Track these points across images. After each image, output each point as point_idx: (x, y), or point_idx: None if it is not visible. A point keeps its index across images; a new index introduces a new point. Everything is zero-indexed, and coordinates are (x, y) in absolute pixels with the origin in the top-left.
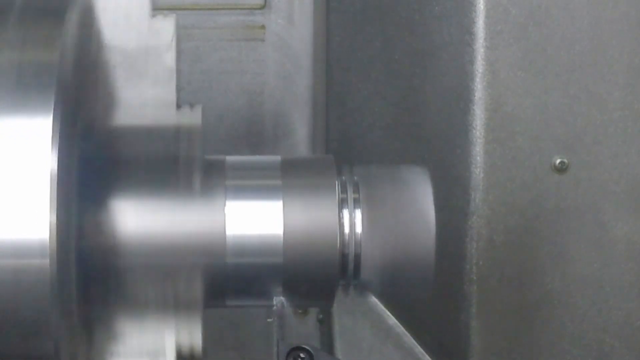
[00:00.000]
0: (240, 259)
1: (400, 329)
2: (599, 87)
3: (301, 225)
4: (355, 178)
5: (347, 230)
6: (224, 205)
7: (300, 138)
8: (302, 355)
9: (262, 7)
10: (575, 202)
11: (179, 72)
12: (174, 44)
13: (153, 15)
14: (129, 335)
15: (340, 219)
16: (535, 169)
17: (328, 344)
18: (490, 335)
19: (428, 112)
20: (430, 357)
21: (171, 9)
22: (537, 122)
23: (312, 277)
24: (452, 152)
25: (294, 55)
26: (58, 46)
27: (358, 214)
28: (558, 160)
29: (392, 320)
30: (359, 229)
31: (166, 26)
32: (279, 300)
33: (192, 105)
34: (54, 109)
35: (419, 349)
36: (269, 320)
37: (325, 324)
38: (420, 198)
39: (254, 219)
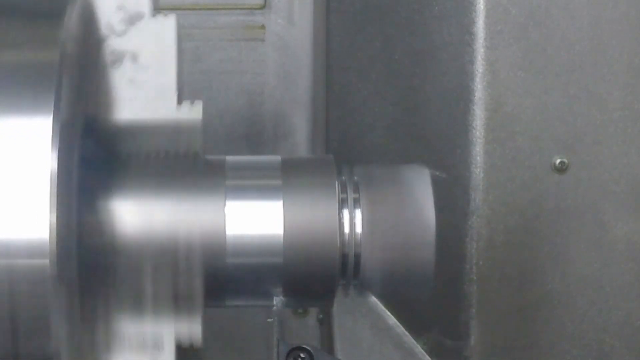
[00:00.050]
0: (240, 259)
1: (400, 329)
2: (599, 87)
3: (301, 225)
4: (355, 178)
5: (347, 230)
6: (224, 205)
7: (300, 138)
8: (302, 355)
9: (262, 7)
10: (575, 202)
11: (180, 71)
12: (175, 43)
13: (154, 15)
14: (129, 334)
15: (340, 219)
16: (535, 169)
17: (328, 344)
18: (490, 335)
19: (428, 112)
20: (430, 357)
21: (171, 9)
22: (537, 122)
23: (312, 277)
24: (452, 152)
25: (294, 55)
26: (58, 46)
27: (358, 214)
28: (558, 160)
29: (392, 320)
30: (359, 229)
31: (167, 25)
32: (279, 300)
33: (192, 103)
34: (54, 109)
35: (419, 349)
36: (269, 320)
37: (325, 324)
38: (421, 198)
39: (254, 219)
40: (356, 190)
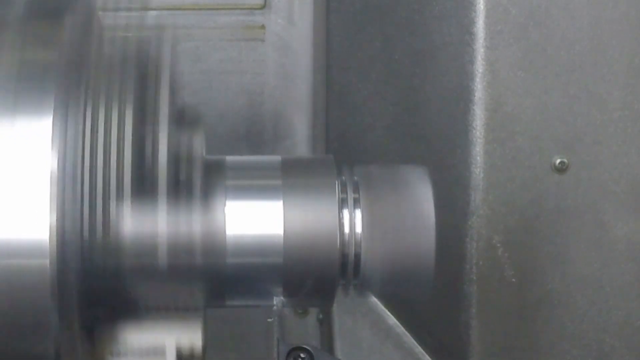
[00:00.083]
0: (240, 259)
1: (400, 329)
2: (599, 87)
3: (301, 225)
4: (355, 178)
5: (347, 230)
6: (224, 205)
7: (300, 138)
8: (302, 355)
9: (262, 7)
10: (575, 202)
11: (179, 72)
12: (173, 43)
13: (153, 16)
14: (129, 335)
15: (340, 219)
16: (535, 169)
17: (328, 344)
18: (490, 335)
19: (428, 112)
20: (430, 357)
21: (171, 9)
22: (537, 122)
23: (312, 277)
24: (452, 152)
25: (294, 55)
26: (58, 46)
27: (358, 214)
28: (558, 160)
29: (392, 320)
30: (359, 229)
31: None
32: (279, 300)
33: (192, 105)
34: (54, 109)
35: (419, 349)
36: (269, 320)
37: (325, 324)
38: (420, 198)
39: (254, 219)
40: (356, 190)
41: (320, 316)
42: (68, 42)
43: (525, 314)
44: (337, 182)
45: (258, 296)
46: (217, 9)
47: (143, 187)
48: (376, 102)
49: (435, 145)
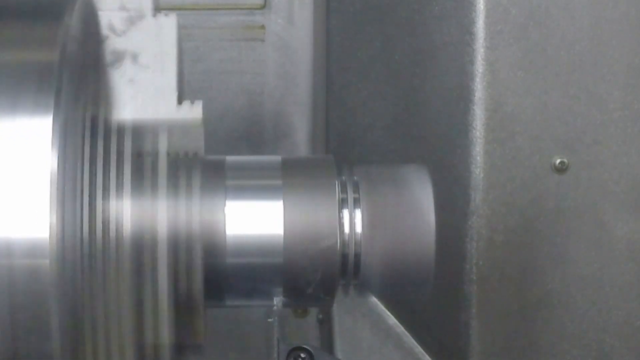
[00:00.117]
0: (240, 259)
1: (400, 329)
2: (599, 87)
3: (301, 225)
4: (355, 178)
5: (347, 230)
6: (224, 205)
7: (300, 138)
8: (302, 355)
9: (262, 7)
10: (575, 202)
11: (180, 71)
12: (176, 43)
13: (154, 15)
14: (129, 335)
15: (340, 219)
16: (535, 169)
17: (328, 344)
18: (490, 335)
19: (428, 112)
20: (430, 357)
21: (171, 9)
22: (537, 122)
23: (312, 277)
24: (452, 152)
25: (294, 55)
26: (58, 46)
27: (358, 214)
28: (558, 160)
29: (392, 320)
30: (359, 229)
31: (168, 25)
32: (279, 300)
33: (192, 102)
34: (54, 109)
35: (419, 349)
36: (269, 320)
37: (325, 324)
38: (420, 198)
39: (254, 219)
40: (356, 190)
41: (320, 316)
42: (68, 42)
43: (525, 314)
44: (337, 182)
45: (258, 296)
46: (217, 9)
47: (143, 186)
48: (376, 102)
49: (435, 145)
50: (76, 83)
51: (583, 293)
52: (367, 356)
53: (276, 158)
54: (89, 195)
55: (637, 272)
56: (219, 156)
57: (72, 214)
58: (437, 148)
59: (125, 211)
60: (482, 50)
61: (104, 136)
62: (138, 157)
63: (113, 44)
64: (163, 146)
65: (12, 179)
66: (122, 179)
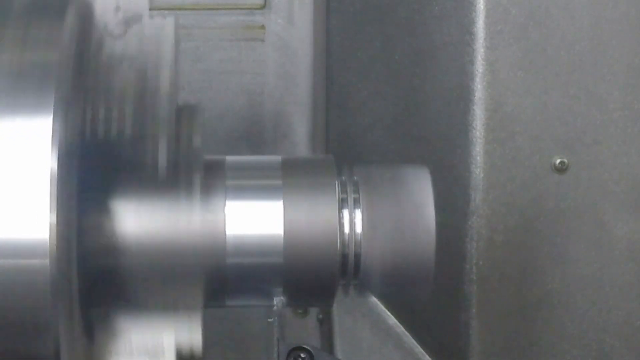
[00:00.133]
0: (240, 259)
1: (400, 329)
2: (599, 87)
3: (301, 225)
4: (355, 178)
5: (347, 230)
6: (224, 205)
7: (300, 138)
8: (302, 355)
9: (262, 7)
10: (575, 202)
11: (179, 71)
12: (174, 43)
13: (153, 16)
14: (129, 335)
15: (340, 219)
16: (535, 169)
17: (328, 344)
18: (490, 335)
19: (428, 112)
20: (430, 357)
21: (171, 9)
22: (537, 122)
23: (312, 277)
24: (452, 152)
25: (294, 55)
26: (58, 46)
27: (358, 214)
28: (558, 160)
29: (392, 320)
30: (359, 229)
31: (165, 27)
32: (279, 300)
33: (191, 105)
34: (54, 109)
35: (419, 349)
36: (269, 320)
37: (325, 324)
38: (421, 198)
39: (254, 219)
40: (356, 190)
41: (320, 316)
42: (68, 42)
43: (525, 314)
44: (337, 182)
45: (258, 296)
46: (217, 9)
47: (143, 186)
48: (376, 102)
49: (435, 145)
50: (76, 83)
51: (583, 293)
52: (367, 356)
53: (276, 158)
54: (89, 196)
55: (637, 272)
56: (219, 156)
57: (72, 214)
58: (437, 148)
59: (126, 211)
60: (482, 50)
61: (103, 136)
62: (138, 157)
63: (111, 46)
64: (163, 148)
65: (12, 179)
66: (123, 179)
